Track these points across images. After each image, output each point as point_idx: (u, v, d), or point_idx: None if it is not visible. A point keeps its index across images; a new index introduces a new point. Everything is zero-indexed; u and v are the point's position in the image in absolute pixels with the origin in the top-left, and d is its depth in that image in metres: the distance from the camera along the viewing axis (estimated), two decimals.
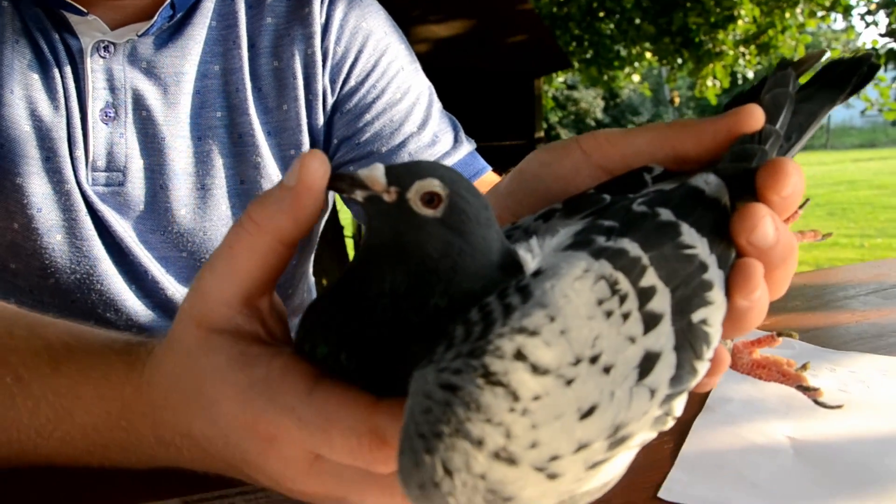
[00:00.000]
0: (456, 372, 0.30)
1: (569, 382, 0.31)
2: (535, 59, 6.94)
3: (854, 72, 0.46)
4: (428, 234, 0.35)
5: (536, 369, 0.30)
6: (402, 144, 0.89)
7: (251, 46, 0.85)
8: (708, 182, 0.38)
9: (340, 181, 0.36)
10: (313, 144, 0.89)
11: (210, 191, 0.84)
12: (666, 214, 0.37)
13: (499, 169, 0.92)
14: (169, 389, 0.41)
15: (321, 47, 0.86)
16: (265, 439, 0.37)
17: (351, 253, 4.65)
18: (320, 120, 0.88)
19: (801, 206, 0.44)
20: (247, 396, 0.37)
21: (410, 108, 0.91)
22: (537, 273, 0.34)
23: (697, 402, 0.60)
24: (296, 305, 1.03)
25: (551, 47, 7.00)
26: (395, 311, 0.35)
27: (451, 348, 0.31)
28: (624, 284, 0.33)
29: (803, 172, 0.38)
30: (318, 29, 0.86)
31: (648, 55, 8.92)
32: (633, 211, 0.37)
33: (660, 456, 0.52)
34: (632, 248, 0.35)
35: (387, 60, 0.90)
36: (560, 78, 12.89)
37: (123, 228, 0.81)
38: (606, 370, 0.31)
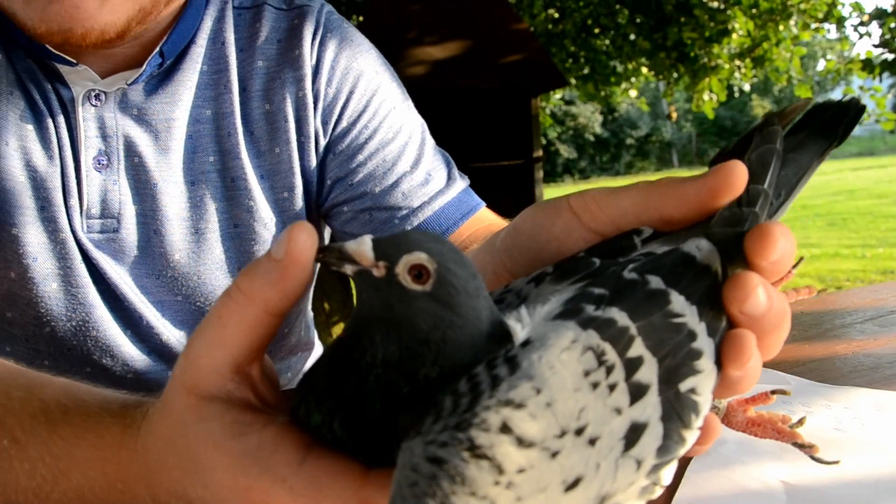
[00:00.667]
0: (442, 445, 0.31)
1: (554, 455, 0.31)
2: (532, 78, 6.96)
3: (842, 117, 0.47)
4: (418, 308, 0.35)
5: (522, 442, 0.31)
6: (396, 184, 0.89)
7: (242, 90, 0.86)
8: (700, 248, 0.39)
9: (329, 254, 0.36)
10: (306, 186, 0.89)
11: (204, 235, 0.85)
12: (656, 282, 0.37)
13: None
14: (163, 453, 0.42)
15: (312, 89, 0.87)
16: None
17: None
18: (313, 161, 0.88)
19: (794, 266, 0.44)
20: (240, 465, 0.37)
21: (403, 147, 0.91)
22: (526, 343, 0.34)
23: None
24: (293, 344, 1.03)
25: (547, 65, 7.03)
26: (386, 381, 0.35)
27: (439, 420, 0.32)
28: (611, 355, 0.34)
29: (792, 235, 0.39)
30: (308, 71, 0.87)
31: (644, 70, 8.98)
32: (623, 278, 0.37)
33: (654, 500, 0.52)
34: (620, 317, 0.35)
35: (378, 100, 0.91)
36: (557, 94, 12.95)
37: (118, 274, 0.82)
38: (592, 442, 0.32)
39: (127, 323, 0.84)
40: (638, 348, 0.34)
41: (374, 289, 0.36)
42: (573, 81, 9.02)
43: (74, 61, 0.77)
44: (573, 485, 0.31)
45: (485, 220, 0.92)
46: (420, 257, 0.35)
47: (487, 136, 6.73)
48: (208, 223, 0.85)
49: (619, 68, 9.11)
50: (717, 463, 0.57)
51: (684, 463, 0.57)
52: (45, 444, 0.48)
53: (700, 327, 0.36)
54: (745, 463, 0.56)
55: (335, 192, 0.90)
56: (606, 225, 0.44)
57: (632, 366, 0.34)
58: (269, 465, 0.37)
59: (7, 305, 0.81)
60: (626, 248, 0.41)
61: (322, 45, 0.88)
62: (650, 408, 0.34)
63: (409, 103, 0.96)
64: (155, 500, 0.44)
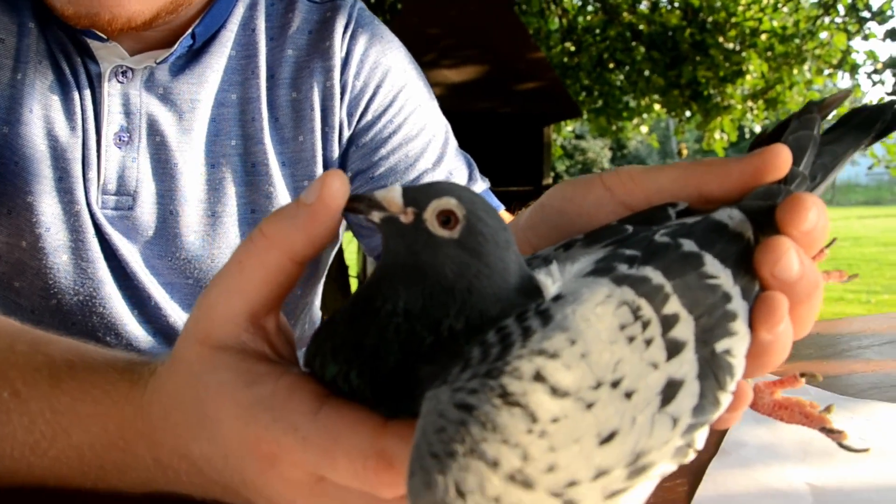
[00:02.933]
0: (472, 392, 0.30)
1: (589, 406, 0.30)
2: (546, 106, 7.01)
3: (877, 118, 0.46)
4: (444, 255, 0.35)
5: (556, 391, 0.30)
6: (416, 179, 0.90)
7: (270, 77, 0.86)
8: (731, 216, 0.38)
9: (358, 202, 0.36)
10: None
11: (220, 218, 0.84)
12: (689, 245, 0.36)
13: (513, 213, 0.92)
14: (169, 408, 0.40)
15: (340, 80, 0.87)
16: (266, 459, 0.36)
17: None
18: (335, 152, 0.88)
19: (827, 246, 0.44)
20: (250, 413, 0.36)
21: (426, 145, 0.91)
22: (558, 297, 0.33)
23: (712, 445, 0.58)
24: (296, 339, 1.02)
25: (562, 95, 7.07)
26: (408, 331, 0.34)
27: (468, 369, 0.31)
28: (647, 311, 0.33)
29: (825, 210, 0.38)
30: (337, 62, 0.87)
31: (657, 107, 9.02)
32: (655, 241, 0.37)
33: (674, 497, 0.50)
34: (654, 275, 0.34)
35: (405, 97, 0.91)
36: (569, 127, 13.01)
37: (130, 253, 0.81)
38: (628, 395, 0.31)
39: (135, 302, 0.83)
40: (674, 305, 0.34)
41: (400, 236, 0.35)
42: (586, 114, 9.07)
43: (105, 37, 0.77)
44: (608, 438, 0.30)
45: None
46: (449, 202, 0.35)
47: (499, 160, 6.75)
48: (225, 206, 0.84)
49: (633, 103, 9.16)
50: (738, 463, 0.55)
51: (705, 461, 0.55)
52: (46, 399, 0.46)
53: (735, 290, 0.36)
54: (769, 464, 0.54)
55: (355, 184, 0.90)
56: (640, 201, 0.43)
57: (668, 322, 0.33)
58: (282, 413, 0.35)
59: (16, 274, 0.80)
60: (659, 219, 0.41)
61: (353, 38, 0.89)
62: (686, 365, 0.33)
63: (435, 104, 0.96)
64: (156, 461, 0.43)
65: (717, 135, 8.21)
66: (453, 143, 0.96)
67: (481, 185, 0.94)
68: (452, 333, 0.34)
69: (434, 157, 0.91)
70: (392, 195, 0.35)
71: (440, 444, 0.29)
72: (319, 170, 0.87)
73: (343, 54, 0.88)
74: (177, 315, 0.85)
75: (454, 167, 0.93)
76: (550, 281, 0.36)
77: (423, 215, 0.35)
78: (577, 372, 0.30)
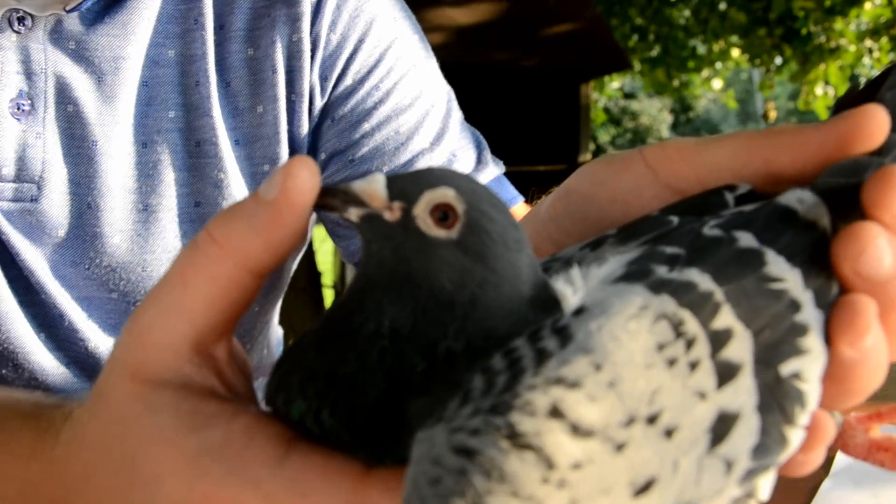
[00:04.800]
0: (474, 432, 0.31)
1: (619, 448, 0.31)
2: (583, 56, 7.03)
3: None
4: (440, 259, 0.36)
5: (577, 430, 0.31)
6: (410, 163, 0.91)
7: (219, 28, 0.87)
8: (802, 200, 0.39)
9: (331, 196, 0.37)
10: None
11: (155, 213, 0.85)
12: (746, 239, 0.38)
13: (532, 202, 0.93)
14: (91, 465, 0.42)
15: (310, 34, 0.89)
16: None
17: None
18: (304, 127, 0.90)
19: None
20: (198, 466, 0.37)
21: (422, 118, 0.93)
22: (580, 311, 0.35)
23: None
24: (254, 367, 1.03)
25: (605, 41, 7.10)
26: (395, 355, 0.36)
27: (468, 403, 0.32)
28: (692, 325, 0.34)
29: None
30: (307, 9, 0.88)
31: (736, 53, 8.99)
32: (703, 235, 0.38)
33: None
34: (702, 280, 0.36)
35: (394, 54, 0.93)
36: (615, 83, 13.03)
37: (34, 258, 0.82)
38: (668, 433, 0.32)
39: (41, 322, 0.85)
40: (726, 318, 0.35)
41: (384, 238, 0.37)
42: (638, 65, 9.07)
43: None
44: (645, 488, 0.31)
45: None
46: (446, 194, 0.36)
47: (521, 130, 6.77)
48: (161, 198, 0.85)
49: (701, 49, 9.15)
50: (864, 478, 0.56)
51: (815, 484, 0.56)
52: None
53: (805, 296, 0.36)
54: None
55: (330, 168, 0.91)
56: (691, 182, 0.44)
57: (719, 339, 0.34)
58: (238, 464, 0.37)
59: None
60: (714, 206, 0.42)
61: None
62: (743, 393, 0.34)
63: (434, 63, 0.98)
64: None
65: (818, 89, 8.13)
66: (458, 114, 0.97)
67: (494, 171, 0.96)
68: (450, 357, 0.35)
69: (432, 135, 0.93)
70: (374, 187, 0.36)
71: (436, 498, 0.30)
72: (284, 150, 0.89)
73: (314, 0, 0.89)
74: (97, 339, 0.86)
75: (458, 147, 0.94)
76: (571, 290, 0.37)
77: (412, 211, 0.36)
78: (603, 405, 0.31)
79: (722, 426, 0.33)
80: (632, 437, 0.31)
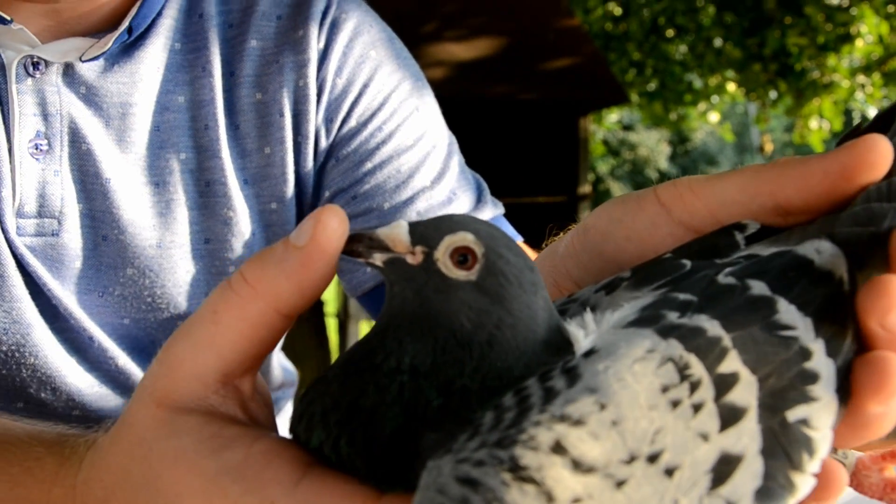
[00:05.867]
0: (478, 464, 0.32)
1: (619, 484, 0.32)
2: (582, 90, 7.01)
3: None
4: (460, 301, 0.38)
5: (578, 466, 0.32)
6: (410, 201, 0.93)
7: (229, 74, 0.90)
8: (820, 251, 0.40)
9: (356, 243, 0.40)
10: (300, 196, 0.93)
11: (168, 250, 0.88)
12: (759, 288, 0.39)
13: (531, 233, 0.94)
14: (112, 488, 0.43)
15: (317, 78, 0.91)
16: None
17: (333, 336, 4.67)
18: (310, 167, 0.93)
19: None
20: (217, 485, 0.39)
21: (423, 158, 0.95)
22: (590, 353, 0.36)
23: None
24: None
25: (603, 75, 7.10)
26: (413, 390, 0.38)
27: (476, 437, 0.34)
28: (697, 369, 0.35)
29: None
30: (314, 56, 0.91)
31: (732, 87, 8.99)
32: (717, 283, 0.39)
33: None
34: (711, 326, 0.37)
35: (398, 98, 0.95)
36: (613, 115, 13.05)
37: (58, 288, 0.85)
38: (669, 472, 0.33)
39: (73, 346, 0.87)
40: (732, 363, 0.36)
41: (407, 280, 0.39)
42: (636, 98, 9.07)
43: (8, 18, 0.79)
44: None
45: None
46: (465, 238, 0.38)
47: (522, 162, 6.76)
48: (175, 236, 0.88)
49: (698, 84, 9.17)
50: None
51: None
52: None
53: (816, 345, 0.37)
54: None
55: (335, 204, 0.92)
56: (704, 218, 0.45)
57: (724, 383, 0.35)
58: (255, 484, 0.38)
59: None
60: (725, 248, 0.43)
61: (334, 26, 0.93)
62: (746, 437, 0.35)
63: (437, 110, 1.01)
64: None
65: (813, 123, 8.10)
66: (458, 158, 1.00)
67: (492, 211, 0.98)
68: (465, 395, 0.37)
69: (433, 174, 0.95)
70: (397, 232, 0.39)
71: None
72: (290, 189, 0.92)
73: (321, 46, 0.92)
74: (124, 360, 0.89)
75: (458, 187, 0.97)
76: (583, 333, 0.39)
77: (434, 254, 0.38)
78: (606, 443, 0.32)
79: (724, 468, 0.34)
80: (632, 474, 0.32)
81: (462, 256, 0.38)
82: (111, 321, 0.88)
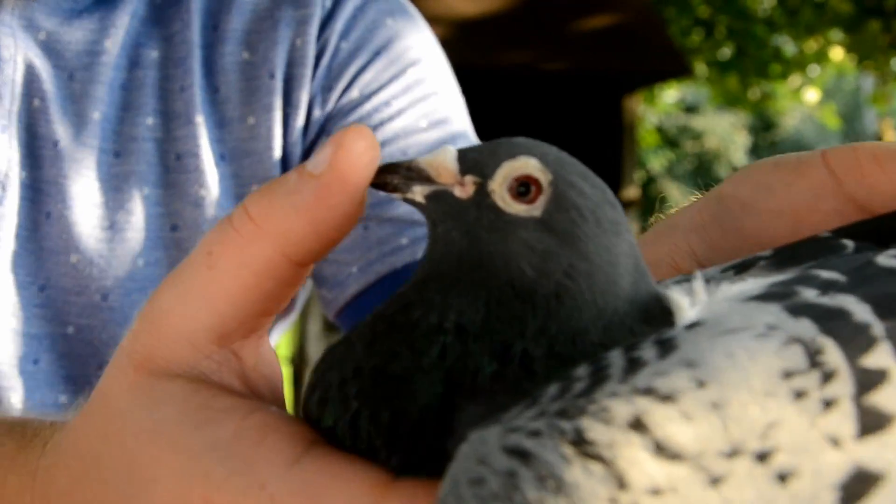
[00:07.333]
0: (533, 434, 0.34)
1: (714, 482, 0.34)
2: (627, 59, 6.91)
3: None
4: (520, 241, 0.40)
5: (663, 450, 0.34)
6: None
7: (212, 28, 0.99)
8: None
9: (391, 173, 0.42)
10: None
11: (122, 233, 0.95)
12: None
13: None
14: (78, 477, 0.47)
15: (318, 38, 1.00)
16: None
17: (287, 387, 4.72)
18: (298, 145, 1.01)
19: None
20: (199, 465, 0.41)
21: (438, 145, 0.99)
22: (694, 325, 0.38)
23: None
24: None
25: (656, 39, 7.01)
26: (459, 355, 0.40)
27: (534, 406, 0.36)
28: (833, 357, 0.37)
29: None
30: (318, 12, 1.00)
31: (838, 53, 8.83)
32: (874, 263, 0.41)
33: None
34: (858, 309, 0.38)
35: (416, 75, 1.04)
36: (671, 93, 13.00)
37: None
38: (782, 478, 0.34)
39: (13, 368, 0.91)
40: (882, 357, 0.37)
41: (454, 218, 0.41)
42: (702, 70, 8.98)
43: None
44: None
45: None
46: (528, 164, 0.40)
47: None
48: (130, 216, 0.95)
49: (790, 49, 9.02)
50: None
51: None
52: None
53: None
54: None
55: None
56: (886, 197, 0.47)
57: (868, 380, 0.36)
58: (244, 464, 0.41)
59: None
60: None
61: None
62: (892, 452, 0.36)
63: (464, 108, 1.09)
64: None
65: None
66: None
67: None
68: (526, 363, 0.39)
69: None
70: (442, 158, 0.41)
71: (475, 500, 0.33)
72: (276, 170, 0.99)
73: (329, 3, 1.01)
74: (30, 395, 0.92)
75: None
76: (688, 301, 0.41)
77: (488, 185, 0.40)
78: (702, 427, 0.34)
79: (857, 486, 0.35)
80: (733, 471, 0.33)
81: (523, 186, 0.40)
82: (50, 331, 0.93)
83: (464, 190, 0.40)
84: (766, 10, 8.66)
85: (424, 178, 0.41)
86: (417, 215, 0.90)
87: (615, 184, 7.14)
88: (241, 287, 0.43)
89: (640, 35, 6.91)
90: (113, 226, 0.94)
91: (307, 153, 1.01)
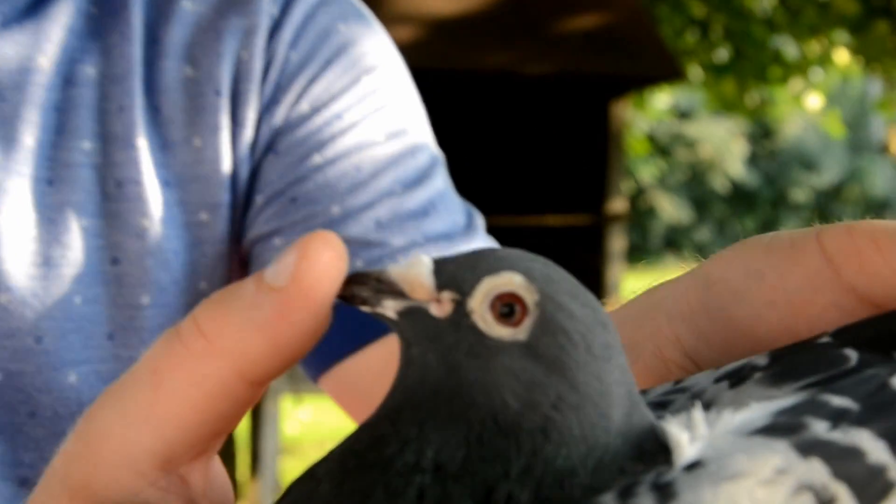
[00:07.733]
0: None
1: None
2: (616, 61, 6.84)
3: None
4: (503, 368, 0.38)
5: None
6: (368, 205, 1.02)
7: (152, 42, 1.00)
8: None
9: (358, 285, 0.40)
10: (234, 204, 1.03)
11: (58, 269, 0.95)
12: None
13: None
14: None
15: (265, 50, 1.02)
16: None
17: (242, 427, 4.74)
18: (246, 166, 1.02)
19: None
20: None
21: (395, 159, 1.04)
22: (694, 466, 0.37)
23: None
24: None
25: (647, 40, 6.95)
26: (438, 497, 0.38)
27: None
28: None
29: None
30: (265, 22, 1.01)
31: (843, 55, 8.80)
32: (890, 388, 0.40)
33: None
34: (874, 448, 0.37)
35: (371, 84, 1.05)
36: (663, 98, 12.97)
37: None
38: None
39: None
40: None
41: (430, 339, 0.39)
42: (696, 73, 8.91)
43: None
44: None
45: None
46: (512, 281, 0.39)
47: (527, 165, 6.72)
48: (66, 250, 0.95)
49: (791, 52, 8.96)
50: None
51: None
52: None
53: None
54: None
55: (265, 214, 1.03)
56: (886, 284, 0.46)
57: None
58: None
59: None
60: None
61: None
62: None
63: (425, 122, 1.11)
64: None
65: None
66: (445, 177, 1.09)
67: (483, 240, 1.07)
68: None
69: (406, 178, 1.04)
70: (416, 271, 0.39)
71: None
72: (225, 194, 1.00)
73: (276, 11, 1.01)
74: None
75: (438, 201, 1.06)
76: (687, 436, 0.38)
77: (467, 304, 0.38)
78: None
79: None
80: None
81: (507, 307, 0.38)
82: None
83: (440, 308, 0.39)
84: (765, 10, 8.63)
85: (396, 291, 0.39)
86: (378, 236, 0.89)
87: (599, 195, 7.11)
88: (191, 409, 0.41)
89: (629, 36, 6.92)
90: (47, 261, 0.94)
91: (254, 174, 1.03)
